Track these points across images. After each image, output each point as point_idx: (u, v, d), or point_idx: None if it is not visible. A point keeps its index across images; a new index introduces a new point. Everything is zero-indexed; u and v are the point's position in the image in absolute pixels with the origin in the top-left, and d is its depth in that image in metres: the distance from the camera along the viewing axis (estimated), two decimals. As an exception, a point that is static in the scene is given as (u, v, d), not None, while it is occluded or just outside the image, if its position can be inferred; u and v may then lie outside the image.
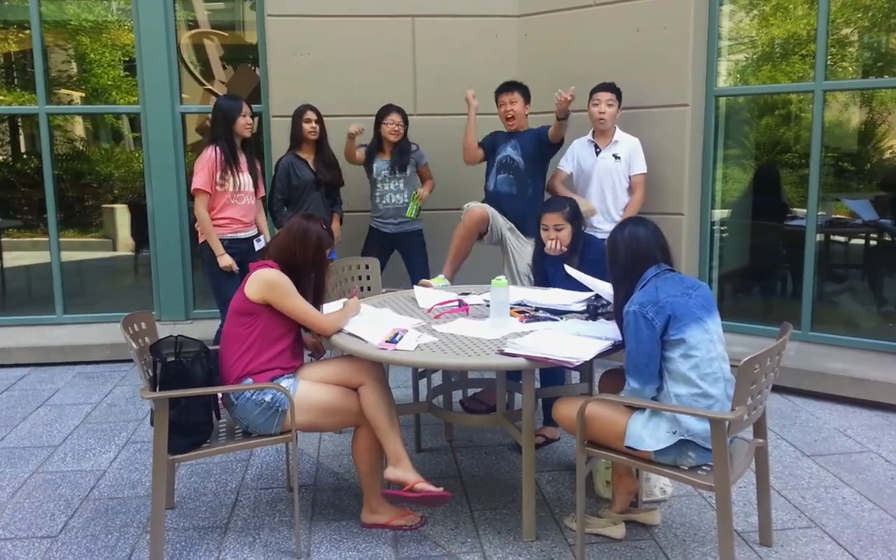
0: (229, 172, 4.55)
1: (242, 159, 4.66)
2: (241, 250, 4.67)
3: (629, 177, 4.80)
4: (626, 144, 4.79)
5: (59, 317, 6.14)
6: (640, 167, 4.80)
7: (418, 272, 5.15)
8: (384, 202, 5.16)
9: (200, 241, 4.66)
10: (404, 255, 5.27)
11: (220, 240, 4.59)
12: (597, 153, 4.80)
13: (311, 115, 4.97)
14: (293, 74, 5.61)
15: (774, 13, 5.40)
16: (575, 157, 4.92)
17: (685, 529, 3.22)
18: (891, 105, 5.20)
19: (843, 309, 5.33)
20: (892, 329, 5.06)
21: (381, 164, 5.14)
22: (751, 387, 2.59)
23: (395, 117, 5.07)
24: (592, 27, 5.40)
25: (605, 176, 4.78)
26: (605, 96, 4.72)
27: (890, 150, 5.27)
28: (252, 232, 4.77)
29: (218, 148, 4.54)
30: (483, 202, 4.66)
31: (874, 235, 5.34)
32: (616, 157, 4.77)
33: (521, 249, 4.52)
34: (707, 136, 5.31)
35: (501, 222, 4.56)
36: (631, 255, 2.88)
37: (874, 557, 2.98)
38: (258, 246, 4.74)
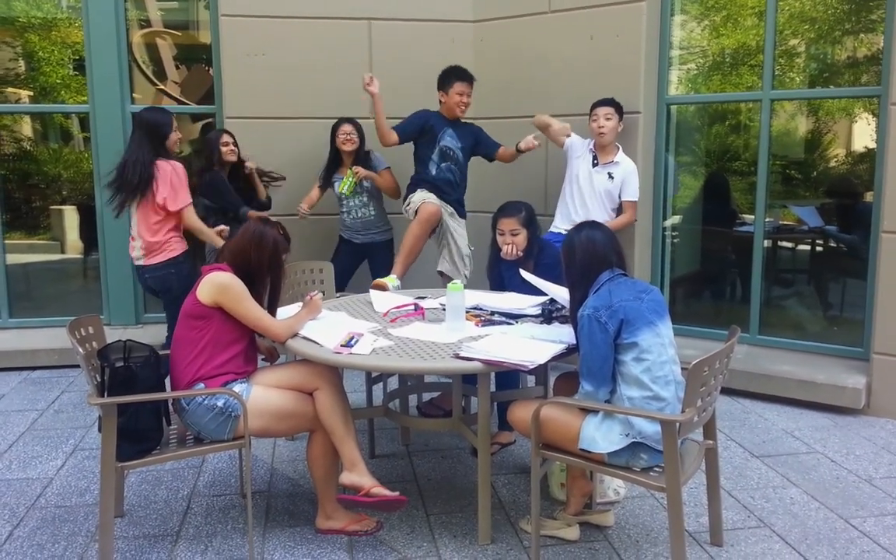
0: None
1: None
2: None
3: (620, 200, 4.85)
4: (623, 167, 4.82)
5: (5, 321, 5.97)
6: (633, 194, 4.86)
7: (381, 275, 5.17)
8: (352, 217, 5.19)
9: (169, 258, 4.40)
10: (373, 263, 5.28)
11: (176, 259, 4.42)
12: (594, 164, 4.82)
13: (227, 137, 4.99)
14: (247, 75, 5.55)
15: (724, 24, 5.51)
16: (573, 149, 4.91)
17: (638, 530, 3.26)
18: (836, 115, 5.35)
19: (790, 313, 5.46)
20: (837, 332, 5.20)
21: (338, 182, 5.14)
22: (700, 389, 2.63)
23: (346, 128, 5.08)
24: (547, 34, 5.45)
25: (594, 190, 4.81)
26: (602, 111, 4.75)
27: (835, 159, 5.42)
28: None
29: (176, 163, 4.39)
30: (423, 190, 4.75)
31: (820, 241, 5.48)
32: (610, 176, 4.80)
33: (461, 231, 4.80)
34: (658, 143, 5.40)
35: (444, 211, 4.68)
36: (587, 259, 2.91)
37: (820, 555, 3.05)
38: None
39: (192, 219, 4.45)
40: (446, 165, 4.83)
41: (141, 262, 4.44)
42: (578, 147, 4.90)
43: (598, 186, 4.80)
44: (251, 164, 5.11)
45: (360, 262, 5.32)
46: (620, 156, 4.85)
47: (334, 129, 5.12)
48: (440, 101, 4.89)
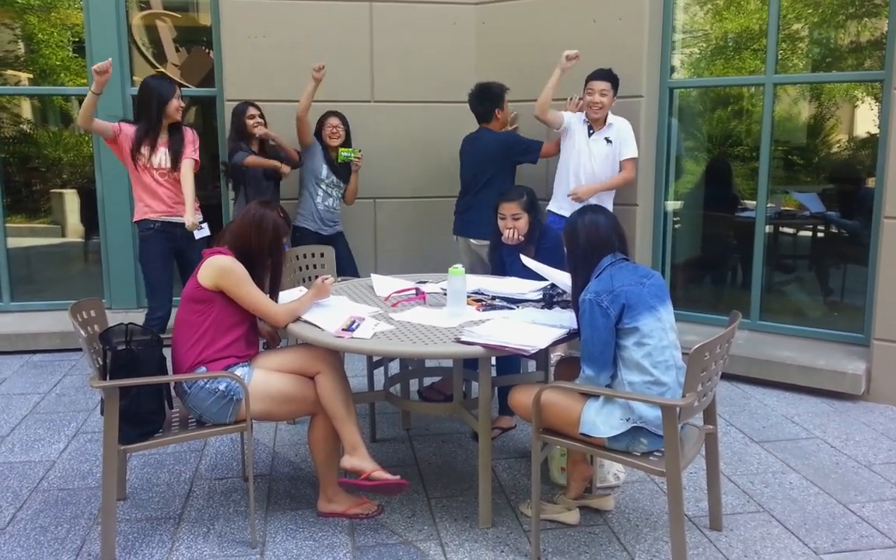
0: (146, 147, 4.41)
1: (163, 138, 4.47)
2: (178, 236, 4.51)
3: (619, 161, 4.78)
4: (618, 127, 4.77)
5: (7, 304, 5.98)
6: (631, 151, 4.78)
7: (349, 269, 5.17)
8: (325, 205, 5.14)
9: (135, 219, 4.54)
10: (337, 254, 5.19)
11: (151, 222, 4.47)
12: (589, 135, 4.77)
13: (253, 110, 4.97)
14: (248, 58, 5.53)
15: (728, 7, 5.48)
16: (569, 124, 4.84)
17: (638, 514, 3.27)
18: (839, 100, 5.33)
19: (790, 298, 5.46)
20: (837, 318, 5.20)
21: (328, 169, 5.12)
22: (701, 374, 2.64)
23: (333, 120, 5.08)
24: (549, 16, 5.43)
25: (593, 158, 4.74)
26: (598, 86, 4.66)
27: (837, 144, 5.41)
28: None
29: (137, 126, 4.44)
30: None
31: (821, 227, 5.47)
32: (608, 140, 4.75)
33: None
34: (661, 127, 5.38)
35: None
36: (590, 243, 2.90)
37: (819, 540, 3.07)
38: (199, 235, 4.55)
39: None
40: None
41: None
42: (575, 121, 4.85)
43: (598, 154, 4.75)
44: (264, 131, 5.01)
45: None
46: (612, 117, 4.78)
47: (321, 121, 5.11)
48: (496, 118, 4.91)
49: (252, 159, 4.90)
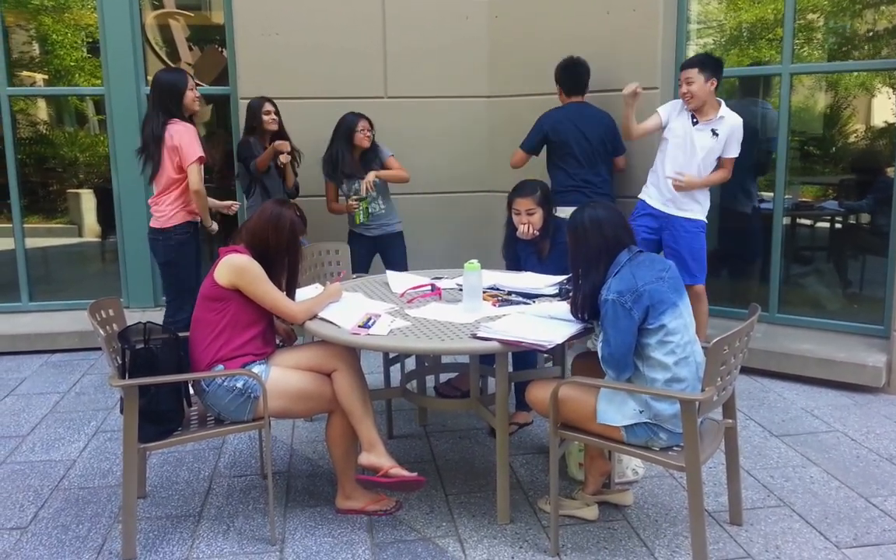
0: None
1: None
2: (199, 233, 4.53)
3: (722, 157, 4.45)
4: (729, 122, 4.39)
5: (25, 304, 6.02)
6: (735, 151, 4.44)
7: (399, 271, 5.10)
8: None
9: (155, 225, 4.38)
10: (386, 256, 5.11)
11: (187, 225, 4.39)
12: (693, 124, 4.42)
13: (269, 106, 4.88)
14: (261, 55, 5.53)
15: (743, -3, 5.44)
16: (668, 117, 4.54)
17: (657, 509, 3.26)
18: (855, 90, 5.28)
19: (809, 291, 5.41)
20: (857, 310, 5.15)
21: (353, 180, 4.95)
22: (720, 368, 2.62)
23: (364, 123, 4.89)
24: (562, 9, 5.40)
25: (694, 151, 4.40)
26: (684, 74, 4.37)
27: (855, 134, 5.35)
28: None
29: (187, 123, 4.31)
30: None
31: (839, 218, 5.42)
32: (714, 133, 4.38)
33: None
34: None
35: None
36: (599, 247, 2.82)
37: (840, 534, 3.04)
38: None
39: (195, 179, 4.25)
40: None
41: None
42: (673, 110, 4.54)
43: (700, 145, 4.38)
44: (284, 158, 4.84)
45: (373, 255, 5.13)
46: (724, 110, 4.40)
47: (351, 126, 4.87)
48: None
49: (261, 160, 4.77)
